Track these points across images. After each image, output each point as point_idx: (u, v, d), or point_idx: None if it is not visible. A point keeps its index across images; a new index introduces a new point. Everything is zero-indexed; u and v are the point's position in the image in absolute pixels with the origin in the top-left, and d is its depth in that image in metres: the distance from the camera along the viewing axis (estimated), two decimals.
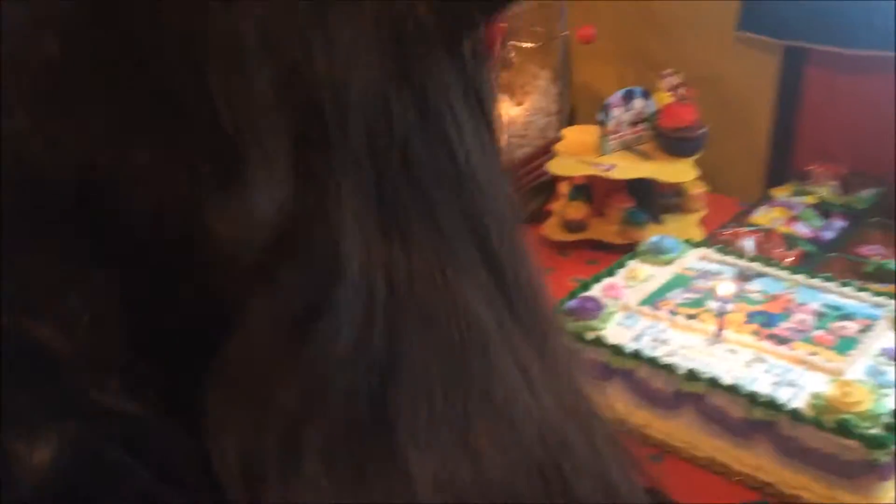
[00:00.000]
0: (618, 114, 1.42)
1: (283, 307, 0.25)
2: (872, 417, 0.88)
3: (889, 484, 0.87)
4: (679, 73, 1.44)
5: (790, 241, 1.32)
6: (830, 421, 0.88)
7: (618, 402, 1.02)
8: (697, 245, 1.24)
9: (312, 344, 0.25)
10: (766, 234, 1.34)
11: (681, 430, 0.98)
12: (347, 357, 0.25)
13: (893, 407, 0.89)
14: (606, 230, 1.42)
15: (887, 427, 0.87)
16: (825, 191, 1.45)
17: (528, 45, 1.58)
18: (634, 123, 1.45)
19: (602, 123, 1.41)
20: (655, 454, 0.99)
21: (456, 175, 0.28)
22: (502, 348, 0.28)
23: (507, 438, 0.28)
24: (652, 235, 1.25)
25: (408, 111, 0.26)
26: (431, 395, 0.26)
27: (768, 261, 1.21)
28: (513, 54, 1.60)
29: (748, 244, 1.31)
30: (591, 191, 1.46)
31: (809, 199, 1.43)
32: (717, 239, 1.32)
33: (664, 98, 1.44)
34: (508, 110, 1.59)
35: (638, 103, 1.44)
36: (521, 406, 0.28)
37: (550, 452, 0.28)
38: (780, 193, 1.46)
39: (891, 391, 0.92)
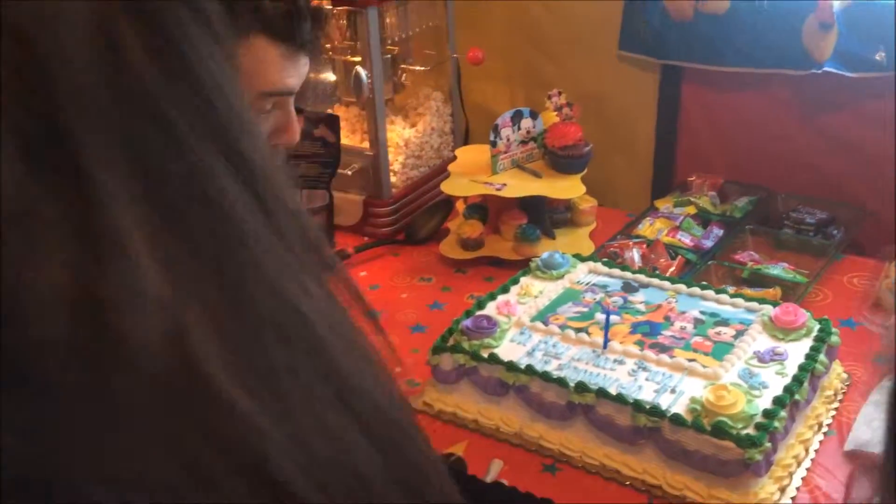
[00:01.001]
0: (507, 133, 1.47)
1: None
2: (745, 418, 0.94)
3: (763, 480, 0.94)
4: (565, 93, 1.50)
5: (672, 250, 1.40)
6: (707, 424, 0.94)
7: (514, 417, 1.07)
8: (585, 259, 1.30)
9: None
10: (651, 246, 1.41)
11: (573, 440, 1.03)
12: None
13: (764, 408, 0.96)
14: (502, 247, 1.47)
15: (759, 427, 0.94)
16: (704, 201, 1.54)
17: (420, 68, 1.62)
18: (524, 142, 1.50)
19: (493, 143, 1.46)
20: (550, 464, 1.03)
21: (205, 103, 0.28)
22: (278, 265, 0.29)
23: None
24: (545, 250, 1.30)
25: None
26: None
27: (652, 272, 1.27)
28: (405, 77, 1.64)
29: (634, 255, 1.37)
30: (485, 209, 1.51)
31: (690, 210, 1.51)
32: (605, 251, 1.39)
33: (551, 117, 1.50)
34: (402, 132, 1.62)
35: (526, 123, 1.49)
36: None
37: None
38: (663, 205, 1.54)
39: (762, 392, 0.99)
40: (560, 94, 1.50)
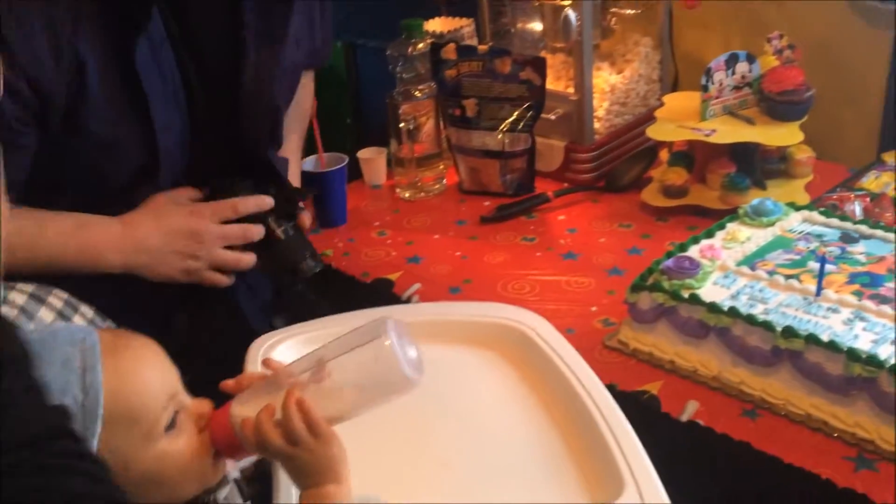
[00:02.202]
0: (720, 78, 1.41)
1: None
2: None
3: None
4: (786, 37, 1.42)
5: None
6: None
7: (713, 360, 1.03)
8: (800, 208, 1.23)
9: None
10: (876, 199, 1.30)
11: (777, 387, 0.98)
12: None
13: None
14: (707, 196, 1.41)
15: None
16: None
17: (630, 12, 1.58)
18: (738, 88, 1.43)
19: (704, 88, 1.41)
20: (750, 409, 0.99)
21: None
22: None
23: None
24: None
25: None
26: None
27: (875, 223, 1.18)
28: (614, 22, 1.61)
29: (856, 208, 1.28)
30: (691, 157, 1.46)
31: None
32: (822, 203, 1.30)
33: (770, 61, 1.42)
34: (609, 78, 1.60)
35: (741, 67, 1.42)
36: None
37: None
38: (892, 158, 1.42)
39: None
40: (781, 36, 1.41)
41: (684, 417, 0.99)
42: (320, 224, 1.50)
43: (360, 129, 2.25)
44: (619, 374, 1.06)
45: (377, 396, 0.70)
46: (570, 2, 1.49)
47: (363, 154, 1.64)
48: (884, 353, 0.92)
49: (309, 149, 1.50)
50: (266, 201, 1.12)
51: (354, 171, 1.62)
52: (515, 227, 1.46)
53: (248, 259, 1.12)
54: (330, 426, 0.69)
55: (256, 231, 1.12)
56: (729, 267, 1.10)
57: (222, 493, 0.76)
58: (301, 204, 1.18)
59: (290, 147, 1.29)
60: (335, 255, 1.43)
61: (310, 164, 1.51)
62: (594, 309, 1.21)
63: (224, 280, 1.12)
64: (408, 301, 1.27)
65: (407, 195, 1.59)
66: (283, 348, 0.98)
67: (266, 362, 0.77)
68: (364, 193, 1.63)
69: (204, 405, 0.73)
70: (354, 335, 0.71)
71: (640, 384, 1.05)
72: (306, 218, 1.19)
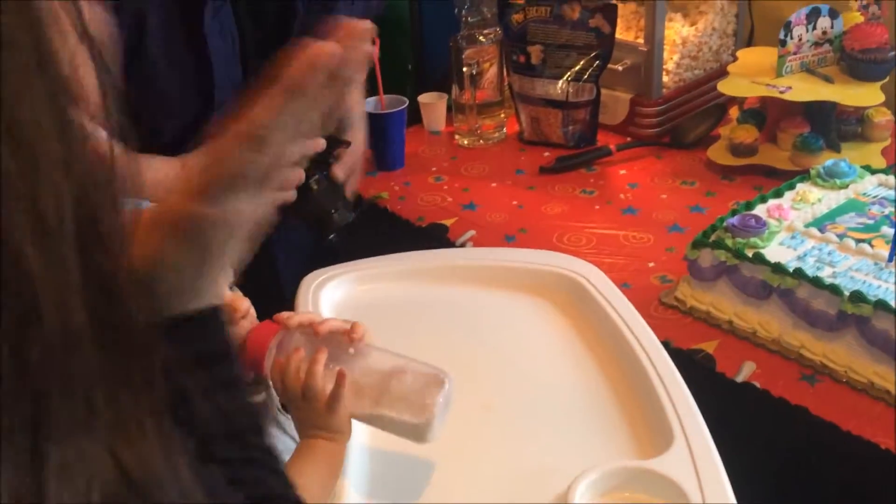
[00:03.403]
0: (800, 32, 1.35)
1: None
2: None
3: None
4: None
5: None
6: None
7: (774, 322, 1.00)
8: (876, 171, 1.17)
9: None
10: None
11: (840, 353, 0.95)
12: None
13: None
14: (777, 156, 1.36)
15: None
16: None
17: None
18: (818, 44, 1.36)
19: (782, 43, 1.35)
20: (810, 375, 0.96)
21: None
22: None
23: None
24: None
25: None
26: None
27: None
28: None
29: None
30: (763, 115, 1.40)
31: None
32: None
33: (854, 17, 1.35)
34: (681, 30, 1.54)
35: (823, 22, 1.35)
36: None
37: None
38: None
39: None
40: None
41: (740, 378, 0.97)
42: (378, 166, 1.49)
43: (422, 75, 2.22)
44: (675, 332, 1.04)
45: (387, 429, 0.72)
46: None
47: (423, 99, 1.62)
48: None
49: (370, 90, 1.48)
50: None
51: (414, 117, 1.60)
52: (575, 180, 1.43)
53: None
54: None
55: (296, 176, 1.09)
56: (797, 228, 1.06)
57: (258, 398, 0.77)
58: (336, 153, 1.16)
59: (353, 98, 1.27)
60: (391, 197, 1.42)
61: (370, 105, 1.49)
62: (652, 265, 1.18)
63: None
64: (462, 247, 1.26)
65: (466, 142, 1.56)
66: (333, 285, 0.97)
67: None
68: (423, 139, 1.61)
69: (239, 300, 0.74)
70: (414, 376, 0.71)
71: (695, 343, 1.02)
72: (339, 169, 1.16)
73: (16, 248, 0.29)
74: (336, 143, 1.19)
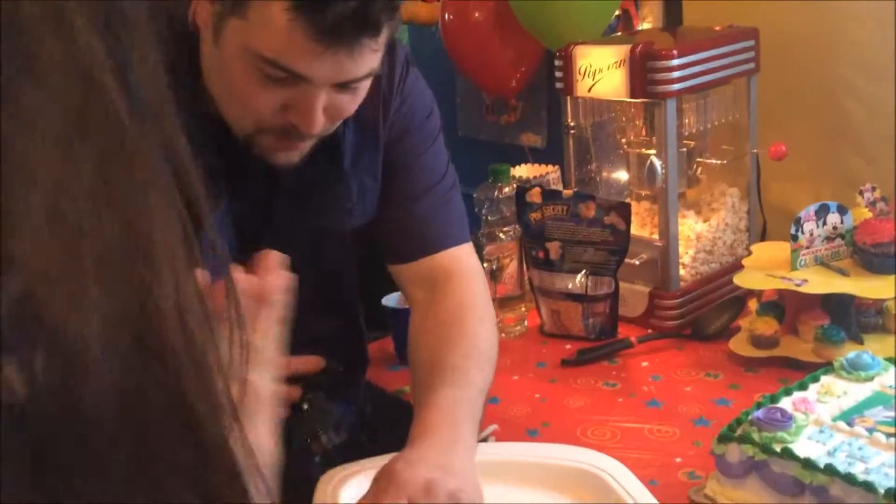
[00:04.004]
0: (811, 228, 1.39)
1: None
2: None
3: None
4: (879, 189, 1.40)
5: None
6: None
7: None
8: None
9: None
10: None
11: None
12: None
13: None
14: (799, 348, 1.36)
15: None
16: None
17: (717, 161, 1.59)
18: (829, 239, 1.40)
19: (794, 238, 1.38)
20: None
21: None
22: None
23: None
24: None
25: None
26: None
27: None
28: (700, 171, 1.62)
29: None
30: (782, 307, 1.42)
31: None
32: None
33: (863, 213, 1.40)
34: (694, 226, 1.59)
35: (833, 218, 1.40)
36: None
37: None
38: None
39: None
40: (874, 188, 1.40)
41: None
42: (400, 361, 1.50)
43: None
44: None
45: None
46: (655, 151, 1.52)
47: None
48: None
49: (392, 286, 1.52)
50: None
51: None
52: (597, 372, 1.43)
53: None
54: None
55: (293, 392, 1.08)
56: (824, 421, 1.04)
57: None
58: (331, 380, 1.16)
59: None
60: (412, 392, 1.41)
61: (393, 300, 1.53)
62: (679, 460, 1.16)
63: None
64: (483, 441, 1.24)
65: None
66: (354, 482, 0.96)
67: None
68: None
69: None
70: None
71: None
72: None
73: None
74: (333, 371, 1.21)
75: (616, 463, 0.95)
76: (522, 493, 0.92)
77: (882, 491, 0.90)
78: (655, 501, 0.88)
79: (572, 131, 1.64)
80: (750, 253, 1.50)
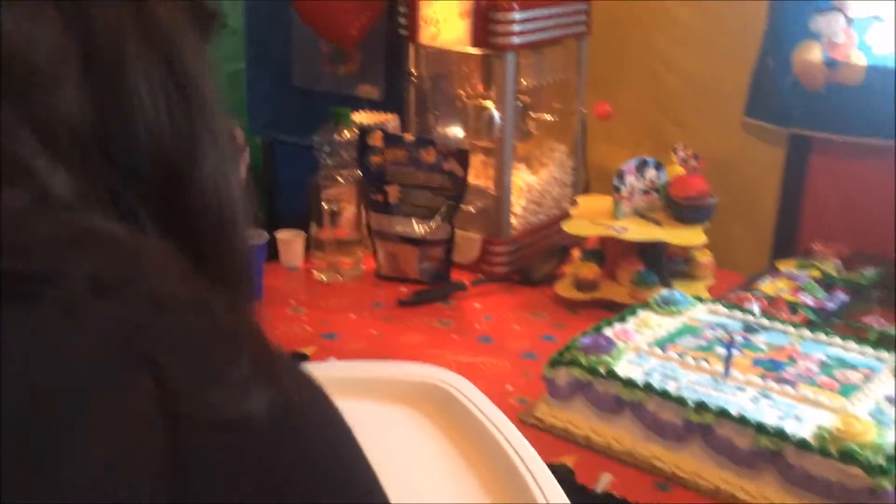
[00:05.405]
0: (631, 181, 1.50)
1: None
2: (875, 448, 0.90)
3: None
4: (691, 148, 1.53)
5: (794, 308, 1.37)
6: (835, 450, 0.91)
7: (626, 435, 1.05)
8: (705, 301, 1.29)
9: None
10: (772, 301, 1.38)
11: (688, 462, 1.00)
12: None
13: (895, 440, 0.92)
14: (617, 291, 1.47)
15: (888, 458, 0.90)
16: (829, 266, 1.51)
17: (548, 117, 1.68)
18: (646, 192, 1.52)
19: (617, 189, 1.49)
20: (662, 483, 1.01)
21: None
22: None
23: None
24: None
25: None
26: None
27: (774, 318, 1.25)
28: (533, 126, 1.70)
29: (754, 307, 1.35)
30: (602, 254, 1.52)
31: (814, 273, 1.48)
32: (724, 299, 1.37)
33: (676, 169, 1.52)
34: (526, 177, 1.67)
35: (650, 173, 1.51)
36: None
37: None
38: (785, 266, 1.52)
39: (892, 428, 0.95)
40: (686, 147, 1.52)
41: (599, 489, 1.00)
42: None
43: (278, 214, 2.26)
44: (535, 448, 1.06)
45: None
46: (493, 103, 1.57)
47: (282, 235, 1.64)
48: (789, 427, 0.96)
49: None
50: None
51: (269, 254, 1.61)
52: (432, 312, 1.47)
53: None
54: None
55: None
56: (642, 348, 1.14)
57: None
58: None
59: None
60: None
61: None
62: (510, 388, 1.22)
63: None
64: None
65: (324, 278, 1.59)
66: None
67: None
68: (279, 274, 1.61)
69: None
70: None
71: (555, 458, 1.05)
72: None
73: None
74: None
75: (460, 377, 0.99)
76: (371, 407, 0.94)
77: (692, 404, 1.00)
78: (498, 410, 0.92)
79: (414, 79, 1.67)
80: (576, 204, 1.59)
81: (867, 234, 1.59)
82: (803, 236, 1.66)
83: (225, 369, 0.31)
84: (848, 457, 0.90)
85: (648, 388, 1.04)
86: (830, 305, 1.40)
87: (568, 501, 0.78)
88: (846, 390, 1.04)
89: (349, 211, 1.59)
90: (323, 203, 1.57)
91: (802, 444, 0.93)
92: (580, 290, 1.48)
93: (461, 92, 1.66)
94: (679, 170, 1.52)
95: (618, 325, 1.20)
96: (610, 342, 1.12)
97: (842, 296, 1.43)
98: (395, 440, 0.90)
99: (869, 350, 1.14)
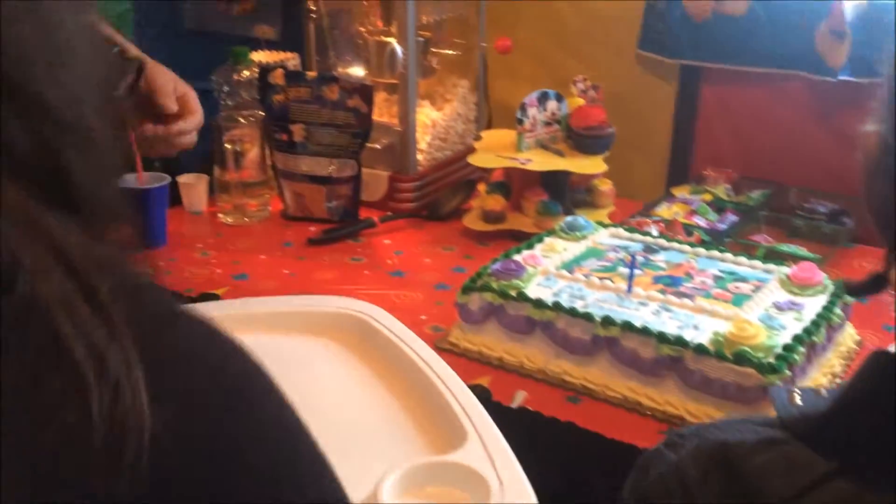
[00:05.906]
0: (533, 113, 1.53)
1: None
2: (766, 349, 0.98)
3: None
4: (589, 80, 1.57)
5: (689, 229, 1.44)
6: (730, 353, 0.97)
7: (538, 354, 1.10)
8: (608, 226, 1.35)
9: None
10: (669, 224, 1.45)
11: (596, 375, 1.06)
12: None
13: (784, 342, 1.00)
14: (523, 221, 1.51)
15: (779, 357, 0.97)
16: (720, 190, 1.59)
17: (449, 52, 1.69)
18: (548, 124, 1.56)
19: (519, 122, 1.52)
20: (573, 396, 1.06)
21: None
22: None
23: None
24: None
25: None
26: None
27: (671, 239, 1.32)
28: (435, 62, 1.70)
29: (653, 231, 1.42)
30: (508, 186, 1.55)
31: (706, 197, 1.56)
32: (625, 224, 1.43)
33: (576, 101, 1.56)
34: (430, 114, 1.68)
35: (551, 105, 1.55)
36: None
37: None
38: (680, 192, 1.59)
39: (781, 333, 1.03)
40: (585, 79, 1.56)
41: (514, 405, 1.04)
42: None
43: (173, 167, 2.19)
44: None
45: None
46: (395, 38, 1.57)
47: (184, 179, 1.61)
48: (688, 335, 1.02)
49: (127, 168, 1.45)
50: None
51: (172, 199, 1.58)
52: (343, 249, 1.48)
53: None
54: None
55: None
56: (550, 271, 1.18)
57: None
58: None
59: None
60: (156, 273, 1.37)
61: (129, 181, 1.45)
62: (424, 317, 1.25)
63: None
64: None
65: (230, 220, 1.57)
66: None
67: None
68: (184, 218, 1.59)
69: None
70: None
71: (471, 379, 1.08)
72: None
73: None
74: None
75: (375, 307, 1.01)
76: (291, 340, 0.95)
77: (598, 319, 1.05)
78: (415, 336, 0.95)
79: (313, 16, 1.64)
80: (480, 138, 1.62)
81: (754, 160, 1.67)
82: (696, 163, 1.73)
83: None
84: (742, 358, 0.96)
85: (557, 307, 1.08)
86: (722, 226, 1.48)
87: (488, 416, 0.81)
88: (738, 300, 1.11)
89: (253, 152, 1.57)
90: (226, 145, 1.54)
91: (700, 350, 0.99)
92: (488, 222, 1.52)
93: (362, 29, 1.65)
94: (579, 101, 1.56)
95: (526, 252, 1.24)
96: (520, 267, 1.16)
97: (732, 217, 1.51)
98: (318, 371, 0.92)
99: (758, 264, 1.21)
